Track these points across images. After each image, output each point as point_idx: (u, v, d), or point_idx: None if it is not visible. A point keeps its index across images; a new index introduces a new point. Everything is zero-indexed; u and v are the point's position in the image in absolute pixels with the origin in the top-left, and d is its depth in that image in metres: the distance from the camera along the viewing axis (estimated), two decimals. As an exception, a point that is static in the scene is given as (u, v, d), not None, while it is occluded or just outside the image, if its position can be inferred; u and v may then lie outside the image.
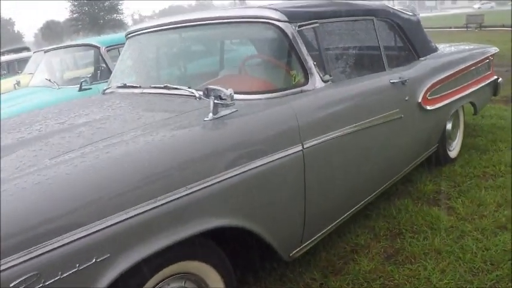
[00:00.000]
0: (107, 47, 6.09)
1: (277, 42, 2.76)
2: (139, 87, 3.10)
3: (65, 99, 5.01)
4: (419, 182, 4.21)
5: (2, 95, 6.55)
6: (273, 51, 2.89)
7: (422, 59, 4.00)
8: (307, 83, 2.70)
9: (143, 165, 1.87)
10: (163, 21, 3.26)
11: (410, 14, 4.09)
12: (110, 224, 1.69)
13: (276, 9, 2.70)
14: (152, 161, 1.89)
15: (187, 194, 1.91)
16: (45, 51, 7.12)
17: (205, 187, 1.99)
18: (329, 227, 2.87)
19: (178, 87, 2.77)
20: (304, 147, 2.45)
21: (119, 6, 69.85)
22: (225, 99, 2.18)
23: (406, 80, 3.45)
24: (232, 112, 2.30)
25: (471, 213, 3.54)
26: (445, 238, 3.22)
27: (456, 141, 4.73)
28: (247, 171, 2.16)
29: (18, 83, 7.28)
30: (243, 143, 2.22)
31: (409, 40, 3.90)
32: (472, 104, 4.86)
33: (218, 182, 2.04)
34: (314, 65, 2.74)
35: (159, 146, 1.98)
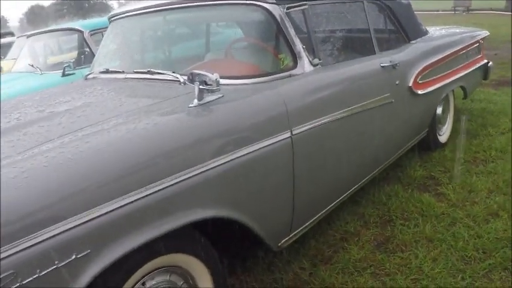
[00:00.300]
0: (91, 31, 5.94)
1: (264, 24, 2.66)
2: (123, 72, 2.99)
3: (48, 84, 4.88)
4: (409, 167, 4.16)
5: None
6: (260, 34, 2.79)
7: (412, 42, 3.92)
8: (295, 67, 2.61)
9: (125, 155, 1.78)
10: (147, 3, 3.14)
11: (401, -4, 4.01)
12: (89, 218, 1.59)
13: None
14: (134, 151, 1.80)
15: (171, 185, 1.82)
16: (28, 36, 6.95)
17: (190, 177, 1.90)
18: (318, 215, 2.80)
19: (162, 72, 2.67)
20: (293, 133, 2.37)
21: (104, -11, 69.13)
22: (210, 84, 2.09)
23: (396, 64, 3.37)
24: (218, 98, 2.21)
25: (462, 200, 3.50)
26: (436, 225, 3.17)
27: (446, 125, 4.68)
28: (234, 159, 2.08)
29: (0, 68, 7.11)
30: (230, 130, 2.13)
31: (400, 23, 3.81)
32: (462, 88, 4.80)
33: (204, 171, 1.95)
34: (303, 48, 2.65)
35: (141, 135, 1.89)
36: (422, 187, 3.80)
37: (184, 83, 2.47)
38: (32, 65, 6.05)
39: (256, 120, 2.24)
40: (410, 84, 3.55)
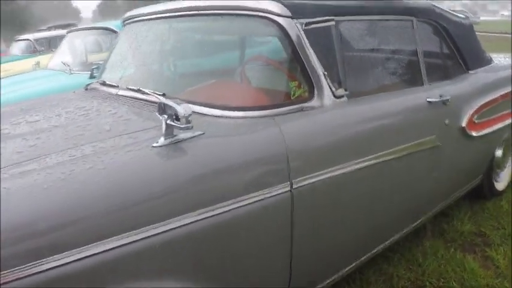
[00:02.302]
0: (125, 32, 5.58)
1: (275, 43, 2.16)
2: (117, 86, 2.58)
3: (73, 86, 4.55)
4: (456, 218, 3.51)
5: (15, 76, 6.21)
6: (269, 55, 2.28)
7: (472, 72, 3.27)
8: (311, 98, 2.08)
9: (44, 210, 1.33)
10: (154, 8, 2.70)
11: (462, 16, 3.38)
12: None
13: (277, 0, 2.09)
14: (61, 205, 1.37)
15: (104, 251, 1.37)
16: (67, 32, 6.72)
17: (134, 241, 1.43)
18: (328, 281, 2.26)
19: (150, 92, 2.22)
20: (294, 186, 1.85)
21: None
22: (178, 120, 1.61)
23: (448, 99, 2.76)
24: (195, 136, 1.72)
25: (514, 269, 2.86)
26: (477, 302, 2.56)
27: (506, 170, 3.97)
28: (204, 219, 1.59)
29: (37, 63, 6.90)
30: (203, 180, 1.63)
31: (458, 48, 3.18)
32: (530, 127, 4.10)
33: (156, 234, 1.48)
34: (324, 75, 2.11)
35: (74, 186, 1.43)
36: (468, 246, 3.16)
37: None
38: (64, 63, 5.78)
39: (243, 167, 1.73)
40: (463, 125, 2.93)
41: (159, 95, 2.16)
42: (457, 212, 3.60)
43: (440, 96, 2.74)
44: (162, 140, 1.66)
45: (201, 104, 2.02)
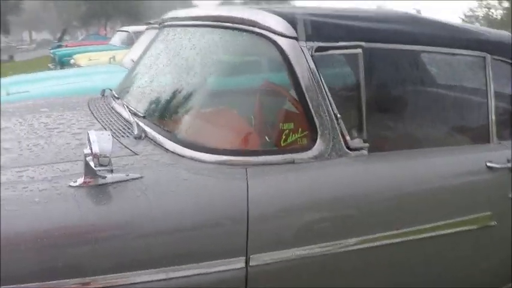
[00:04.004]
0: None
1: (271, 69, 1.70)
2: (118, 98, 2.26)
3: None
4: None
5: (89, 67, 6.20)
6: (261, 85, 1.81)
7: None
8: (310, 147, 1.58)
9: None
10: (175, 14, 2.38)
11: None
12: None
13: (279, 14, 1.61)
14: None
15: None
16: (146, 29, 6.57)
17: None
18: None
19: (129, 112, 1.86)
20: (251, 264, 1.38)
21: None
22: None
23: (519, 165, 2.12)
24: (129, 179, 1.31)
25: None
26: None
27: None
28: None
29: (113, 57, 6.82)
30: (121, 239, 1.25)
31: (549, 101, 2.49)
32: None
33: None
34: (337, 118, 1.61)
35: None
36: None
37: (140, 137, 1.64)
38: (133, 61, 5.62)
39: (181, 229, 1.31)
40: (537, 200, 2.26)
41: (140, 116, 1.80)
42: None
43: (509, 160, 2.12)
44: (80, 180, 1.28)
45: (169, 137, 1.62)
